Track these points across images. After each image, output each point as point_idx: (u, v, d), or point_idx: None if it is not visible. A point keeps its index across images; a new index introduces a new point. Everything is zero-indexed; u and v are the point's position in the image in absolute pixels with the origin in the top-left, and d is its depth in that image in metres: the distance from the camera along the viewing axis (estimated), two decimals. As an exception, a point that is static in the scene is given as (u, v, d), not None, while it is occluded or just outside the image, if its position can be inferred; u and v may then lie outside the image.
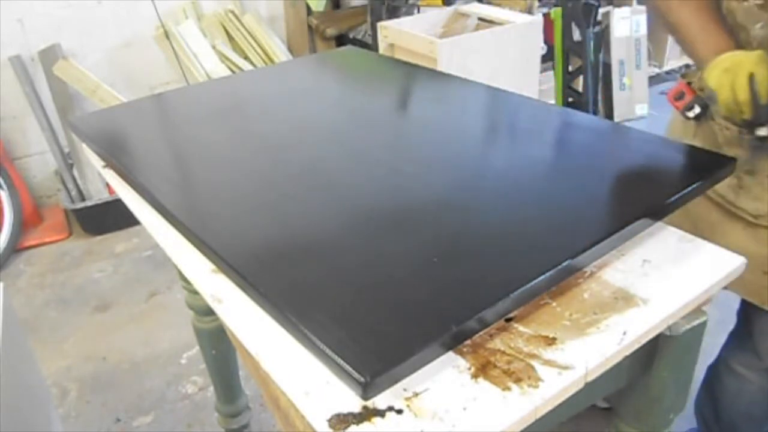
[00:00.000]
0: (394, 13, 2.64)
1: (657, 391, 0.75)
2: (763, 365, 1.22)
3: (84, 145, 1.11)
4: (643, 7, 3.13)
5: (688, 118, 1.08)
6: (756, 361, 1.22)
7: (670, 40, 3.36)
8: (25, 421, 1.11)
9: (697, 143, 1.10)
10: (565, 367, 0.58)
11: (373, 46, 2.64)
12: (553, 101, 3.02)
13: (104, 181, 2.62)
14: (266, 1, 3.15)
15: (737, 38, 0.99)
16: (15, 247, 2.58)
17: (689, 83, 1.08)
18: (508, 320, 0.64)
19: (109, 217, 2.64)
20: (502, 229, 0.74)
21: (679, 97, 1.07)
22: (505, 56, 2.29)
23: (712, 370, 1.35)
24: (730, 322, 1.30)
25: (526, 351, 0.60)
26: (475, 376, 0.58)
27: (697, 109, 1.05)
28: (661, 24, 1.09)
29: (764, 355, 1.20)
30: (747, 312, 1.21)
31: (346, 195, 0.83)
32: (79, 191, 2.68)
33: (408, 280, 0.65)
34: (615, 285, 0.68)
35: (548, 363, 0.58)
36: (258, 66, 2.97)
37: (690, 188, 0.77)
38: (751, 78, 0.88)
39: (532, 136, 0.98)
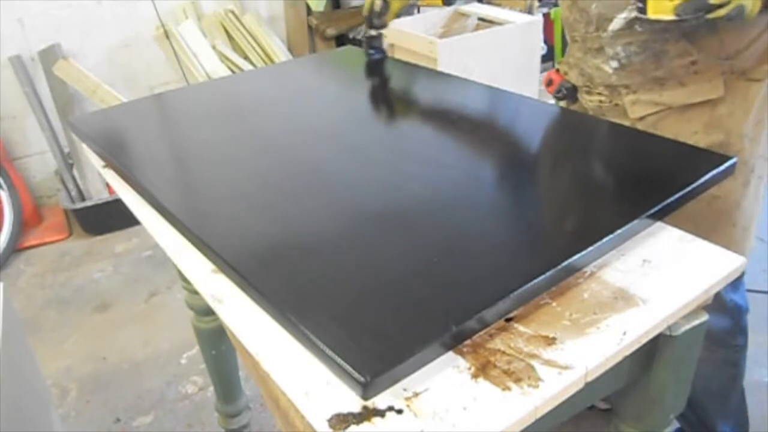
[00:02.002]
0: (394, 13, 2.63)
1: (657, 391, 0.75)
2: None
3: (84, 145, 1.11)
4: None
5: (558, 99, 1.23)
6: None
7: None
8: (25, 421, 1.11)
9: None
10: (565, 367, 0.58)
11: (373, 46, 2.63)
12: (552, 101, 3.02)
13: (104, 181, 2.62)
14: (266, 1, 3.15)
15: (578, 17, 1.09)
16: (15, 247, 2.58)
17: (557, 70, 1.22)
18: (508, 320, 0.64)
19: (109, 217, 2.64)
20: (502, 229, 0.74)
21: (549, 83, 1.22)
22: (505, 56, 2.29)
23: None
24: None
25: (526, 351, 0.60)
26: (475, 376, 0.58)
27: (564, 91, 1.20)
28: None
29: None
30: None
31: (346, 195, 0.83)
32: (79, 191, 2.68)
33: (408, 280, 0.65)
34: (615, 285, 0.68)
35: (548, 363, 0.58)
36: (258, 66, 2.97)
37: (690, 188, 0.77)
38: None
39: (532, 136, 0.98)
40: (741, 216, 1.11)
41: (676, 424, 1.45)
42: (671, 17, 0.88)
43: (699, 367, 1.26)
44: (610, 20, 1.03)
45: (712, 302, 1.21)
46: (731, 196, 1.08)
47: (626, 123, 1.10)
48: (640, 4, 0.91)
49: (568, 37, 1.18)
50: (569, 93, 1.20)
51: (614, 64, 1.07)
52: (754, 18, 0.89)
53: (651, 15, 0.90)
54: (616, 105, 1.12)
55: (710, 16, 0.87)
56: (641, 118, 1.09)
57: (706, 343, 1.23)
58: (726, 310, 1.23)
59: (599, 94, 1.14)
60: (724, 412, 1.36)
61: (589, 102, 1.18)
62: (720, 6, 0.86)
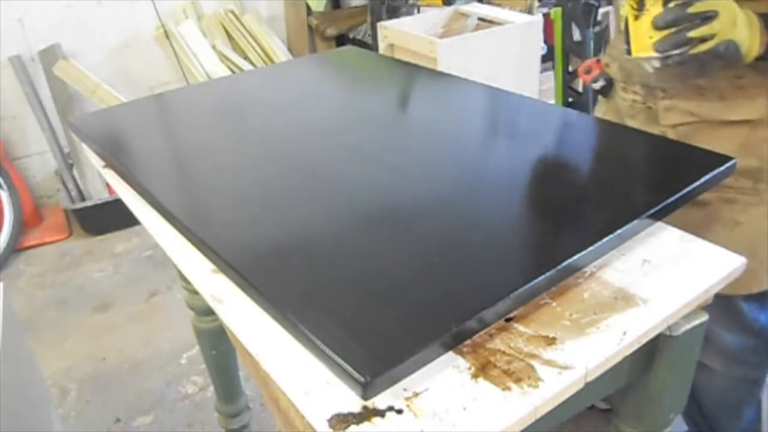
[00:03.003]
0: (394, 13, 2.64)
1: (657, 391, 0.75)
2: (712, 347, 1.20)
3: (84, 145, 1.11)
4: (643, 7, 3.13)
5: (595, 91, 1.20)
6: (706, 344, 1.20)
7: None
8: (25, 421, 1.11)
9: (607, 117, 1.19)
10: (565, 367, 0.58)
11: (373, 46, 2.64)
12: (553, 101, 3.02)
13: (104, 181, 2.62)
14: (266, 1, 3.15)
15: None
16: (15, 247, 2.58)
17: (598, 60, 1.19)
18: (508, 320, 0.64)
19: (109, 217, 2.64)
20: (502, 229, 0.74)
21: (588, 71, 1.19)
22: (505, 56, 2.29)
23: None
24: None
25: (526, 351, 0.60)
26: (475, 376, 0.58)
27: (602, 82, 1.18)
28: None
29: (708, 335, 1.19)
30: None
31: (346, 195, 0.83)
32: (79, 191, 2.68)
33: (408, 280, 0.65)
34: (615, 285, 0.68)
35: (548, 363, 0.58)
36: (258, 66, 2.97)
37: (690, 188, 0.77)
38: None
39: (532, 136, 0.98)
40: (763, 248, 1.04)
41: (684, 426, 1.45)
42: (653, 54, 0.85)
43: (715, 380, 1.26)
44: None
45: (733, 321, 1.18)
46: (755, 225, 1.03)
47: (656, 130, 1.05)
48: (626, 46, 0.89)
49: (615, 27, 1.15)
50: (606, 87, 1.17)
51: (655, 63, 1.01)
52: (752, 60, 0.85)
53: (634, 54, 0.88)
54: (650, 108, 1.08)
55: (693, 51, 0.83)
56: (673, 127, 1.04)
57: (723, 359, 1.22)
58: (749, 329, 1.19)
59: (635, 93, 1.10)
60: (736, 424, 1.34)
61: (622, 100, 1.14)
62: (702, 40, 0.82)
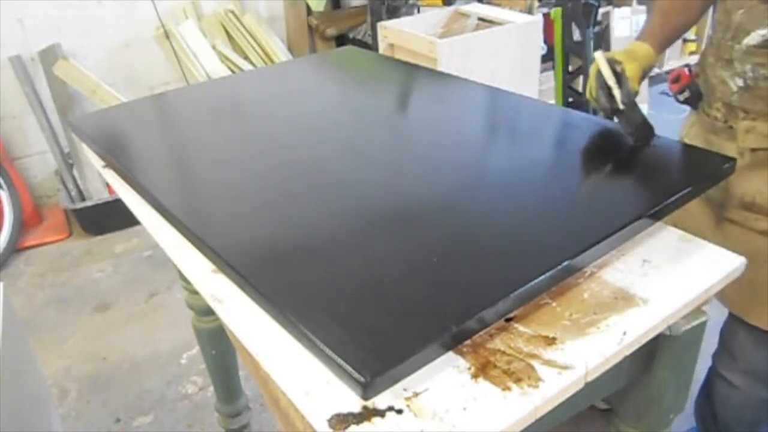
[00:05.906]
0: (394, 13, 2.63)
1: (657, 391, 0.75)
2: (738, 366, 1.21)
3: (84, 145, 1.11)
4: (643, 7, 3.13)
5: (679, 101, 1.14)
6: (732, 362, 1.22)
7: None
8: (25, 421, 1.11)
9: (693, 132, 1.15)
10: (565, 367, 0.58)
11: (373, 46, 2.64)
12: (553, 101, 3.02)
13: (104, 181, 2.62)
14: (266, 1, 3.15)
15: (721, 18, 1.01)
16: (15, 247, 2.58)
17: (689, 69, 1.13)
18: (508, 320, 0.64)
19: (109, 217, 2.64)
20: (502, 229, 0.74)
21: (676, 80, 1.13)
22: (505, 56, 2.29)
23: (708, 375, 1.36)
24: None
25: (526, 351, 0.60)
26: (475, 376, 0.58)
27: (687, 93, 1.11)
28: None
29: (737, 355, 1.20)
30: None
31: (346, 195, 0.83)
32: (79, 191, 2.68)
33: (408, 280, 0.65)
34: (615, 285, 0.68)
35: (548, 363, 0.58)
36: (258, 66, 2.97)
37: (690, 188, 0.77)
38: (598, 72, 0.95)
39: (532, 136, 0.98)
40: None
41: (692, 425, 1.45)
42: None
43: (735, 395, 1.26)
44: (748, 33, 0.95)
45: (765, 344, 1.16)
46: None
47: (732, 151, 1.01)
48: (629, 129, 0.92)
49: (708, 36, 1.08)
50: (692, 97, 1.11)
51: (740, 82, 0.98)
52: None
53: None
54: (731, 127, 1.03)
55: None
56: (752, 151, 1.00)
57: (748, 378, 1.22)
58: None
59: (717, 110, 1.06)
60: None
61: (705, 116, 1.09)
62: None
